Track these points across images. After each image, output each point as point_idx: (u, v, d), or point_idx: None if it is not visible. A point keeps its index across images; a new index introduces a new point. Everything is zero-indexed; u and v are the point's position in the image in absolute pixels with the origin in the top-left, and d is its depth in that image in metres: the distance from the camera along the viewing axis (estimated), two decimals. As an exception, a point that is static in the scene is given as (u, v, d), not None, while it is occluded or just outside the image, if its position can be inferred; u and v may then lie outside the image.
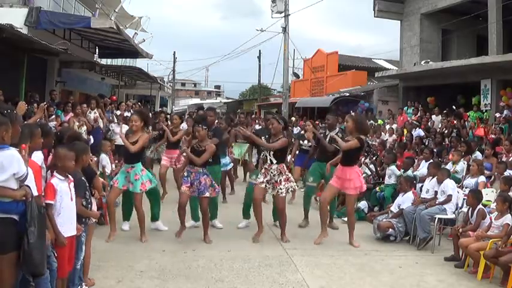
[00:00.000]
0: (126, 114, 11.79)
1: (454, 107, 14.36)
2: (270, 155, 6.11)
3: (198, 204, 6.31)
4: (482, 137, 10.88)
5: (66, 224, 3.69)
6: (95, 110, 10.20)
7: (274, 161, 6.09)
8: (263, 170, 6.18)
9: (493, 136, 10.64)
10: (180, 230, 6.06)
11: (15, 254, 3.09)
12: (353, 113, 17.88)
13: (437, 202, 6.43)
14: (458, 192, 6.77)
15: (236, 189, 9.49)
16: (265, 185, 6.13)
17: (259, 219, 6.23)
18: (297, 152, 9.14)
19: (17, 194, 3.03)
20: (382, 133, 13.20)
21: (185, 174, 6.02)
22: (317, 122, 13.54)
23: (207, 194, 5.93)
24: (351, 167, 6.23)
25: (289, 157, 8.23)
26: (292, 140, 9.02)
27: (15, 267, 3.13)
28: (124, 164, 6.07)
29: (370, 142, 12.04)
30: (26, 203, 3.07)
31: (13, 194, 3.02)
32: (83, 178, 3.98)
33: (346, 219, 7.65)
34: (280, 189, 6.06)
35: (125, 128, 8.78)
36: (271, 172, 6.10)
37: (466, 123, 12.69)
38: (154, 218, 6.55)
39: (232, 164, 9.02)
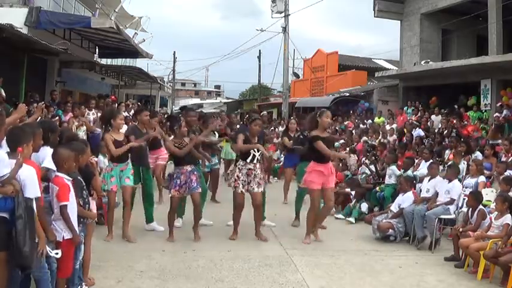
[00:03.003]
0: (125, 114, 11.76)
1: (455, 107, 14.37)
2: (257, 154, 6.12)
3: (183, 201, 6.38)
4: (467, 136, 10.92)
5: (75, 223, 3.70)
6: (93, 111, 10.16)
7: (260, 160, 6.20)
8: (245, 171, 6.11)
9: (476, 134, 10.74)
10: (171, 235, 6.04)
11: (6, 253, 3.05)
12: (352, 113, 18.11)
13: (438, 202, 6.43)
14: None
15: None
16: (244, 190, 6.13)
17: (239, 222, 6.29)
18: (284, 153, 9.08)
19: (7, 190, 3.01)
20: (382, 133, 13.17)
21: (174, 177, 5.99)
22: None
23: (200, 190, 6.03)
24: (328, 162, 6.29)
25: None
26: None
27: (7, 267, 3.08)
28: (118, 164, 5.94)
29: (370, 142, 12.03)
30: (14, 198, 3.05)
31: (3, 189, 3.01)
32: (79, 178, 3.99)
33: (350, 219, 7.68)
34: (261, 185, 6.16)
35: (125, 128, 8.72)
36: (256, 172, 6.12)
37: (466, 123, 12.68)
38: (149, 219, 6.52)
39: (217, 166, 8.75)
